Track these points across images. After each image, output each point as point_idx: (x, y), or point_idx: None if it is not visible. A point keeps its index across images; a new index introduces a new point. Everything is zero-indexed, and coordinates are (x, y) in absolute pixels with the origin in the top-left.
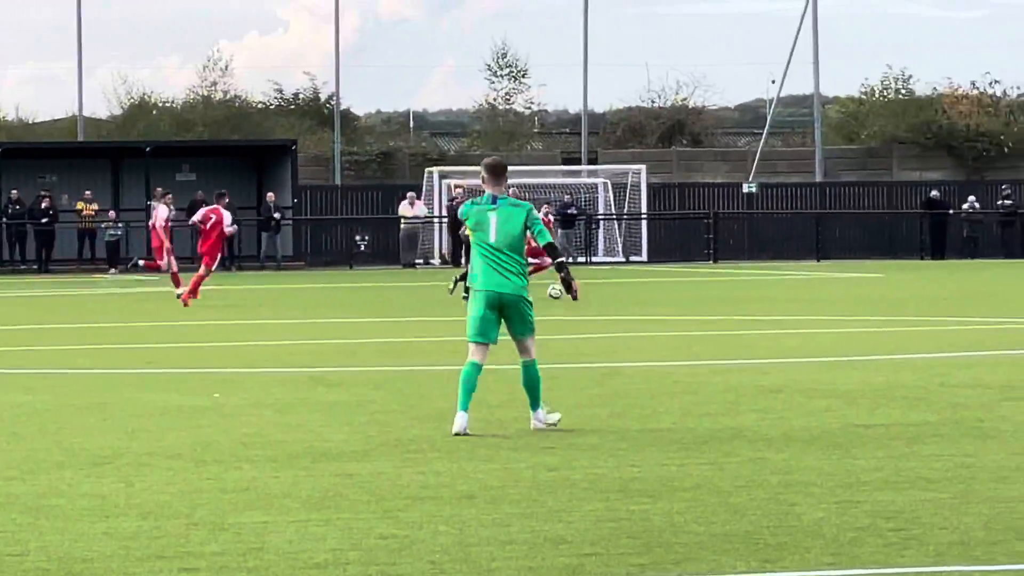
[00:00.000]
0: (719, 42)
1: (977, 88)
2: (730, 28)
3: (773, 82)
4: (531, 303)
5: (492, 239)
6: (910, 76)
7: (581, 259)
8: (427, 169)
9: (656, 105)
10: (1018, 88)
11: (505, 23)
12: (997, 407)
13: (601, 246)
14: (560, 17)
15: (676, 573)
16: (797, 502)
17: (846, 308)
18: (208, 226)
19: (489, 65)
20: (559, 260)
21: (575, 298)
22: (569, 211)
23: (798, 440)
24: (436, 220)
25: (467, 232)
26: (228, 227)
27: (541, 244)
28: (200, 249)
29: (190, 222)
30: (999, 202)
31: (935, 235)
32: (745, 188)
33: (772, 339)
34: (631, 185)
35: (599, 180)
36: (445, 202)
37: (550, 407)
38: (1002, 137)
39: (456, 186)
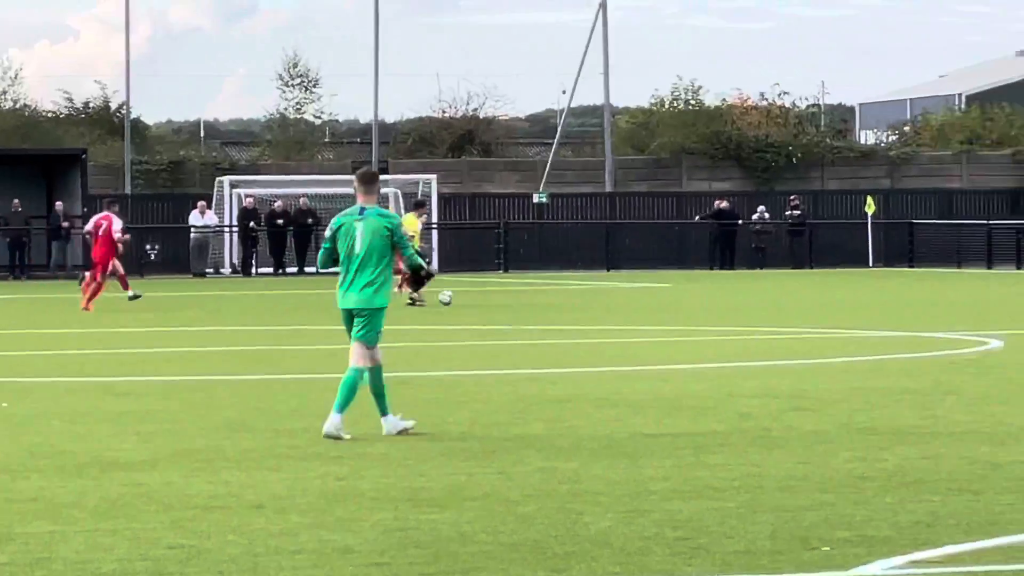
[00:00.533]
0: (510, 53)
1: (766, 99)
2: (521, 39)
3: (564, 93)
4: (381, 314)
5: (358, 248)
6: (700, 87)
7: None
8: (217, 178)
9: (447, 115)
10: (806, 99)
11: (297, 33)
12: (784, 416)
13: None
14: (351, 27)
15: None
16: (585, 511)
17: (635, 318)
18: (100, 233)
19: (280, 75)
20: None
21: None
22: None
23: (586, 449)
24: (227, 229)
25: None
26: (117, 233)
27: (407, 268)
28: (93, 256)
29: (84, 231)
30: (787, 212)
31: (724, 245)
32: (535, 198)
33: (561, 349)
34: (422, 195)
35: (390, 190)
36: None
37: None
38: (791, 148)
39: (247, 195)
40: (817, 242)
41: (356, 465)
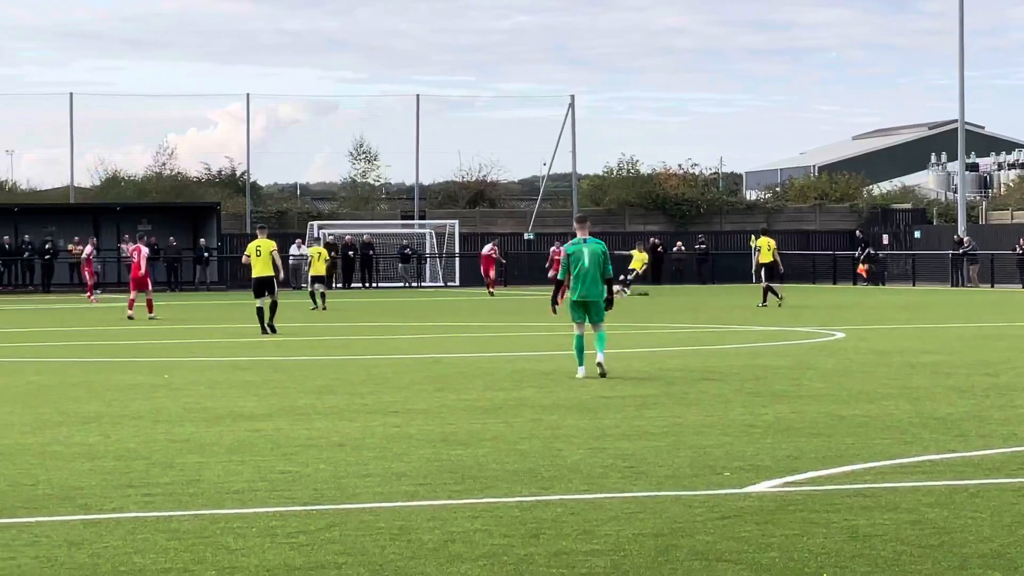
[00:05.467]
0: (508, 136)
1: (682, 168)
2: (516, 127)
3: (544, 164)
4: (603, 303)
5: (586, 264)
6: (637, 160)
7: (415, 284)
8: (309, 222)
9: (465, 179)
10: (710, 168)
11: (364, 123)
12: (697, 384)
13: (428, 274)
14: (401, 118)
15: (481, 497)
16: (562, 448)
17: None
18: (137, 259)
19: (351, 152)
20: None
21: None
22: (406, 251)
23: (563, 407)
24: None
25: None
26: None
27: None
28: (134, 275)
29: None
30: (696, 246)
31: (654, 268)
32: (526, 236)
33: (547, 338)
34: (448, 234)
35: (426, 231)
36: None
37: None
38: (699, 202)
39: (328, 234)
40: (718, 266)
41: (407, 417)
